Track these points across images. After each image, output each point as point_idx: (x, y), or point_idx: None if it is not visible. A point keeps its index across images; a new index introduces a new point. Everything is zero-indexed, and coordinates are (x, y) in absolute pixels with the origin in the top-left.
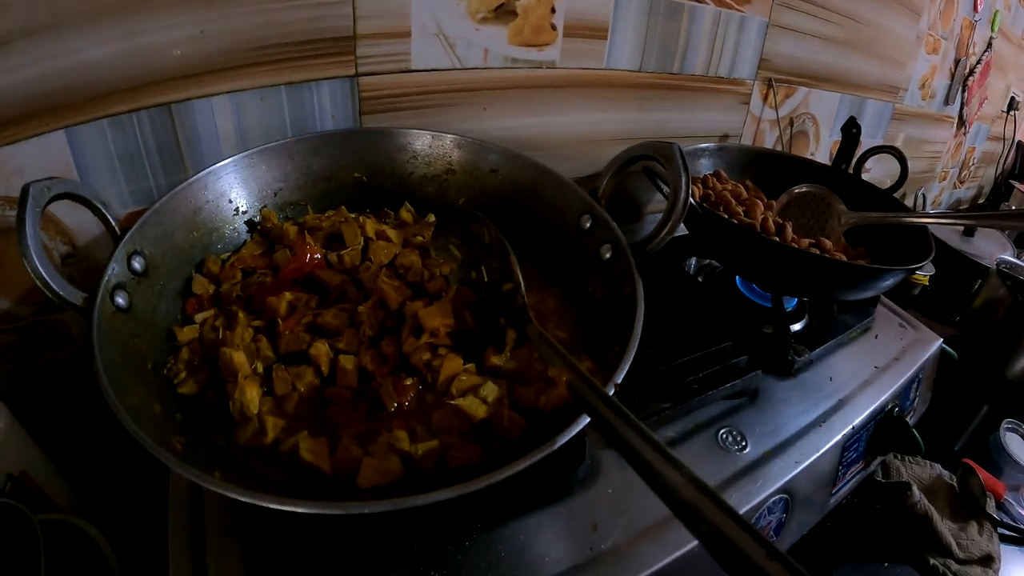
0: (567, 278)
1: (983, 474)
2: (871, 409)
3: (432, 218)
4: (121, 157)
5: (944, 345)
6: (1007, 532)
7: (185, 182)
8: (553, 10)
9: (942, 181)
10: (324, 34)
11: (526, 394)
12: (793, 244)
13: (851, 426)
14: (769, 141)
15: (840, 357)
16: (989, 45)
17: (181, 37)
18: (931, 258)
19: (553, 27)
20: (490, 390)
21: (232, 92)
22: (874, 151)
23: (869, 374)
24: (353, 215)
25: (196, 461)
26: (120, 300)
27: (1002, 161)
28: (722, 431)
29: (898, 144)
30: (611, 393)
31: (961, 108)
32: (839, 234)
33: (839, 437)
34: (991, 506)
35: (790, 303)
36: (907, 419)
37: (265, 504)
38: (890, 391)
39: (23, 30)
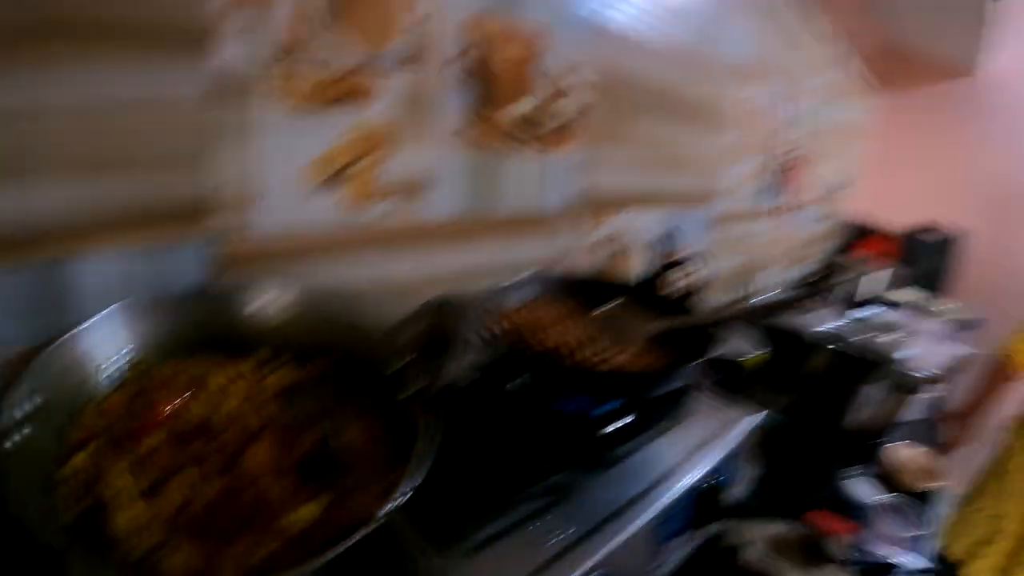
0: (383, 411)
1: (831, 520)
2: (684, 487)
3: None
4: None
5: (775, 414)
6: (862, 565)
7: (61, 337)
8: (381, 173)
9: (774, 266)
10: (184, 202)
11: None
12: (595, 359)
13: (664, 505)
14: (589, 265)
15: (657, 446)
16: (801, 142)
17: (61, 200)
18: (707, 356)
19: (380, 189)
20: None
21: (101, 251)
22: (670, 265)
23: (683, 456)
24: (204, 368)
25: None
26: (7, 445)
27: (831, 238)
28: (539, 523)
29: (726, 242)
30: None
31: (779, 200)
32: (640, 343)
33: (651, 516)
34: (841, 548)
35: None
36: (730, 490)
37: None
38: (704, 469)
39: None
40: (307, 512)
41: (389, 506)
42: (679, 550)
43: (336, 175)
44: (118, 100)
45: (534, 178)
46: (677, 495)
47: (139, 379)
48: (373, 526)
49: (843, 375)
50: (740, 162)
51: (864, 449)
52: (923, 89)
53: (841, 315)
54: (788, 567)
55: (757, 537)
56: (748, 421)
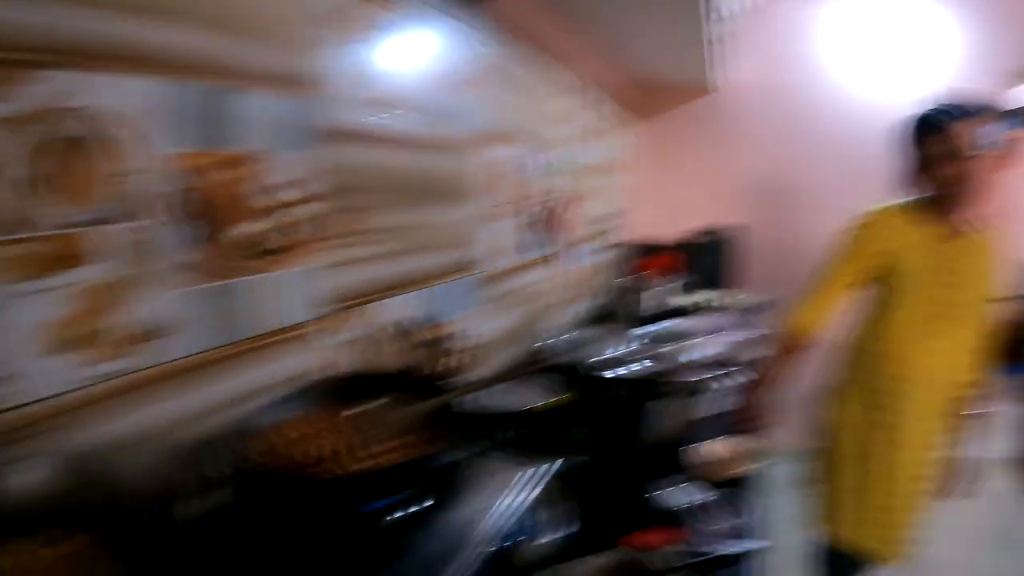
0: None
1: (649, 535)
2: (471, 561)
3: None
4: None
5: (568, 459)
6: (695, 561)
7: None
8: (114, 329)
9: (564, 308)
10: None
11: None
12: (341, 468)
13: None
14: (353, 361)
15: (446, 523)
16: (559, 188)
17: None
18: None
19: (118, 342)
20: None
21: None
22: (432, 343)
23: (467, 528)
24: None
25: None
26: None
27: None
28: None
29: (500, 301)
30: None
31: (550, 247)
32: (409, 430)
33: None
34: (665, 558)
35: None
36: (544, 539)
37: None
38: (490, 536)
39: None
40: None
41: None
42: None
43: (72, 337)
44: None
45: (276, 294)
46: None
47: None
48: None
49: (632, 397)
50: (496, 223)
51: (670, 459)
52: (676, 111)
53: (630, 337)
54: None
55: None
56: (536, 473)
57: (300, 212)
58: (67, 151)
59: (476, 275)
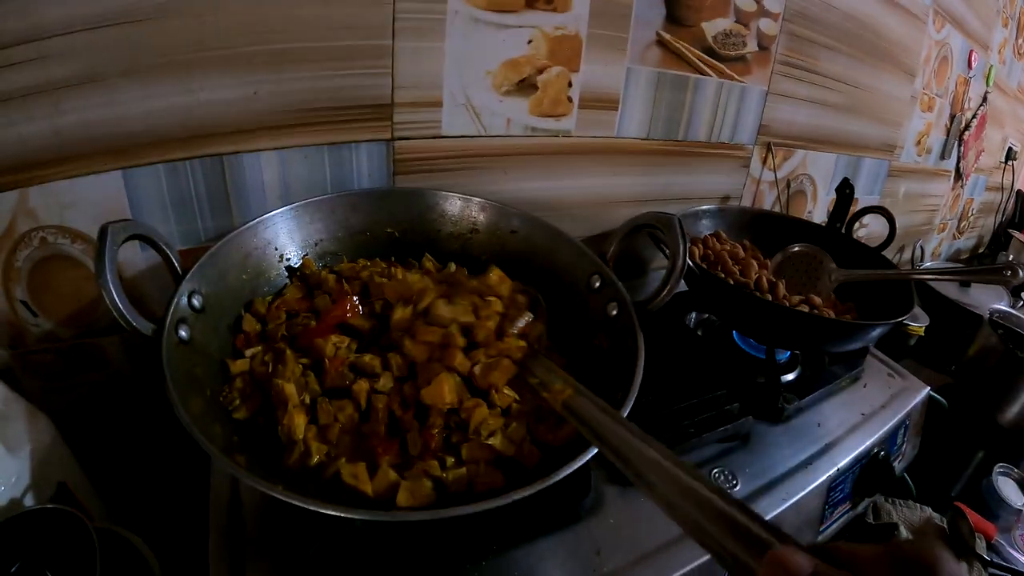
0: (577, 330)
1: (974, 516)
2: (856, 453)
3: (453, 267)
4: (173, 200)
5: (933, 393)
6: (997, 572)
7: (237, 229)
8: (570, 84)
9: (941, 232)
10: (365, 101)
11: (541, 430)
12: (784, 301)
13: (836, 468)
14: (768, 201)
15: (829, 405)
16: (984, 99)
17: (236, 96)
18: (910, 313)
19: (570, 99)
20: (516, 431)
21: (279, 149)
22: (865, 211)
23: (856, 420)
24: (384, 265)
25: (257, 474)
26: (183, 333)
27: (1002, 210)
28: (715, 471)
29: (898, 198)
30: None
31: (958, 162)
32: (829, 290)
33: (824, 478)
34: (981, 547)
35: (783, 355)
36: (895, 463)
37: (327, 511)
38: (875, 436)
39: (88, 76)
40: (515, 432)
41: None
42: (841, 518)
43: (525, 82)
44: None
45: (724, 106)
46: (850, 460)
47: (309, 279)
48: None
49: (1008, 363)
50: (927, 113)
51: (1020, 447)
52: None
53: (1009, 297)
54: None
55: (903, 520)
56: (919, 393)
57: (759, 25)
58: None
59: (892, 161)
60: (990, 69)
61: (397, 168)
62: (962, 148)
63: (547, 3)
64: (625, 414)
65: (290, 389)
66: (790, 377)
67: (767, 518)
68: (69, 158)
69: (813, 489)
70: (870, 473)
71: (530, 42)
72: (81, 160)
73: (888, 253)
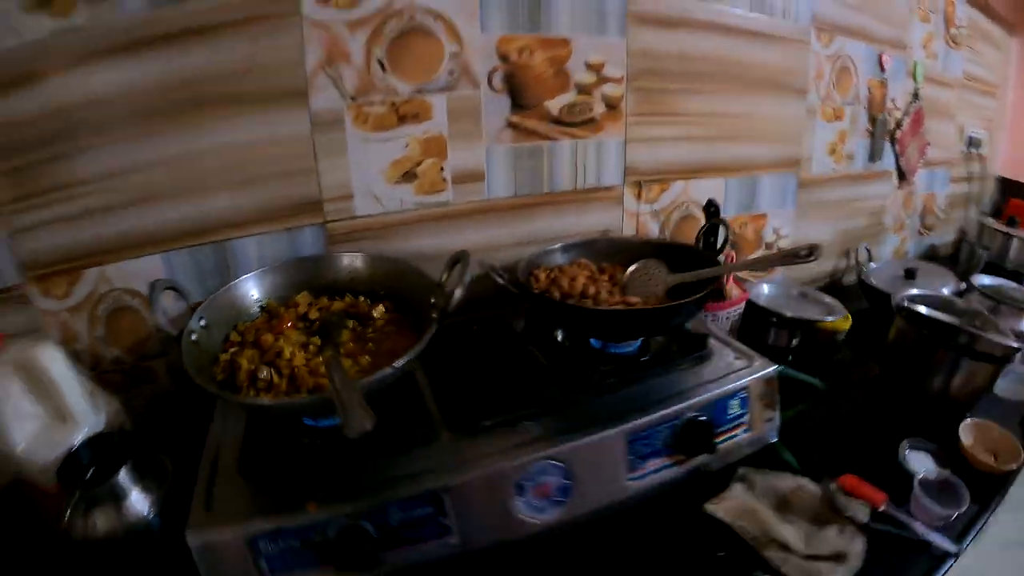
0: (420, 322)
1: (863, 486)
2: (663, 413)
3: (348, 299)
4: (192, 268)
5: (804, 376)
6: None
7: (227, 285)
8: (442, 169)
9: (899, 232)
10: (305, 200)
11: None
12: (602, 305)
13: (636, 422)
14: (655, 229)
15: (663, 382)
16: (915, 96)
17: (227, 205)
18: (700, 296)
19: (444, 179)
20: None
21: (256, 235)
22: (711, 225)
23: (678, 391)
24: (311, 301)
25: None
26: (194, 338)
27: (980, 200)
28: (527, 423)
29: (822, 207)
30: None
31: (897, 160)
32: (662, 292)
33: (624, 427)
34: (861, 512)
35: (631, 346)
36: (743, 433)
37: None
38: (690, 402)
39: (137, 199)
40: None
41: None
42: (661, 470)
43: (408, 173)
44: (254, 140)
45: (583, 159)
46: (655, 418)
47: (271, 311)
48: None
49: (927, 339)
50: (832, 123)
51: (938, 421)
52: None
53: (964, 286)
54: (769, 517)
55: (768, 488)
56: (761, 370)
57: (603, 91)
58: (409, 38)
59: (800, 174)
60: (915, 66)
61: (330, 240)
62: (897, 147)
63: (414, 118)
64: (399, 364)
65: (242, 361)
66: (627, 352)
67: (552, 451)
68: (129, 247)
69: (609, 436)
70: (690, 434)
71: (407, 146)
72: (136, 248)
73: (831, 257)
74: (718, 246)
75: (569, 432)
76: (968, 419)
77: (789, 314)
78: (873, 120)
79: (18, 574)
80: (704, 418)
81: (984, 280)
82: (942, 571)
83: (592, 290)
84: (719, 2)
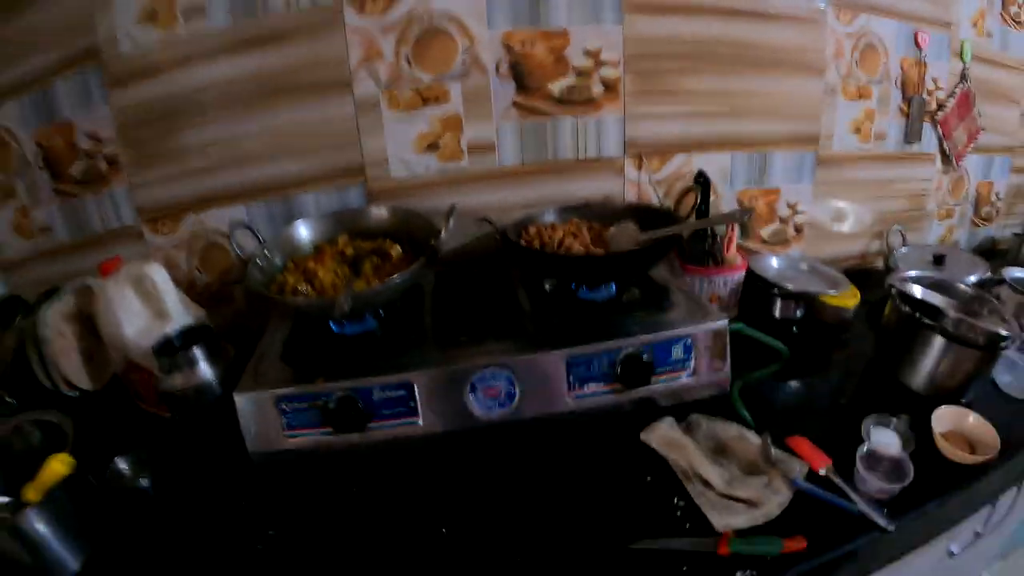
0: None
1: (809, 448)
2: (603, 346)
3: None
4: (267, 215)
5: (752, 332)
6: (804, 487)
7: (289, 226)
8: (459, 141)
9: (946, 219)
10: (351, 165)
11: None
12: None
13: (574, 349)
14: (656, 198)
15: (617, 321)
16: (963, 77)
17: (296, 168)
18: (643, 250)
19: (462, 150)
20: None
21: (313, 191)
22: (704, 194)
23: (628, 331)
24: (348, 241)
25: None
26: (258, 262)
27: None
28: (492, 341)
29: (848, 185)
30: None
31: (941, 144)
32: (633, 247)
33: (564, 352)
34: (794, 469)
35: (609, 290)
36: (686, 378)
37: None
38: (631, 339)
39: (226, 162)
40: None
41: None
42: (600, 395)
43: (432, 145)
44: (313, 120)
45: (584, 133)
46: (596, 348)
47: (312, 253)
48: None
49: (912, 320)
50: (856, 102)
51: (916, 403)
52: None
53: (985, 268)
54: (697, 455)
55: (710, 431)
56: (711, 323)
57: (601, 73)
58: (429, 37)
59: (818, 151)
60: (962, 45)
61: (370, 197)
62: (940, 130)
63: (435, 100)
64: (381, 286)
65: (289, 279)
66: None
67: (501, 360)
68: (219, 199)
69: (552, 355)
70: (628, 368)
71: (430, 123)
72: (225, 200)
73: (863, 238)
74: (705, 209)
75: (521, 351)
76: (943, 407)
77: (791, 287)
78: (908, 100)
79: (124, 430)
80: (645, 356)
81: (1016, 273)
82: (866, 542)
83: (568, 242)
84: None
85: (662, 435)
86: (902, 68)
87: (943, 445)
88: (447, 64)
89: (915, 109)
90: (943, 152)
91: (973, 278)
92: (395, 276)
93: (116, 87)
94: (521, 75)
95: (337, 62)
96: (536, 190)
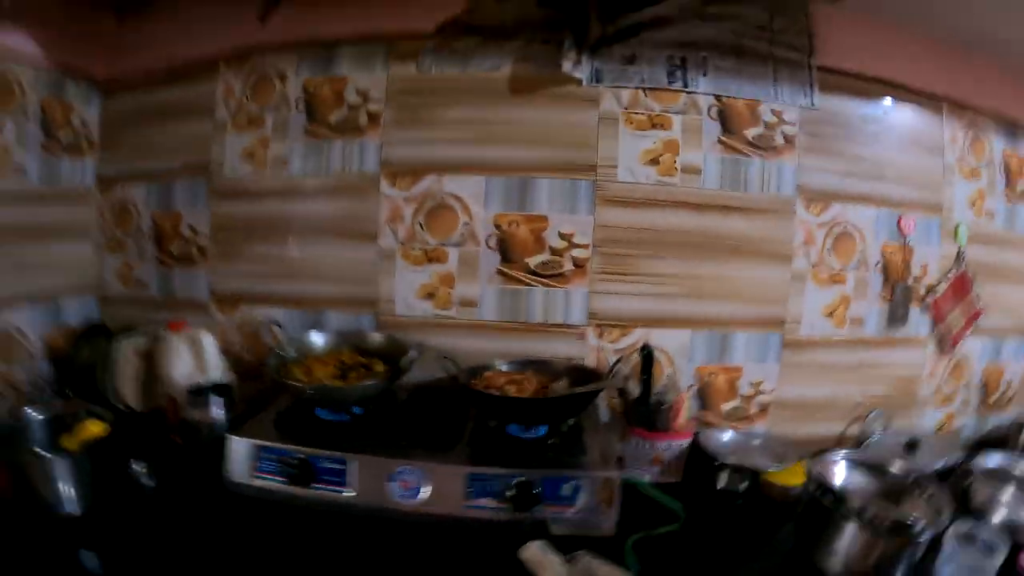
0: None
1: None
2: (499, 471)
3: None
4: (296, 320)
5: (651, 491)
6: None
7: (308, 333)
8: (450, 294)
9: (943, 406)
10: (367, 297)
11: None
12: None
13: (474, 468)
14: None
15: (528, 455)
16: (958, 258)
17: (324, 291)
18: (551, 399)
19: (451, 301)
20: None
21: (336, 311)
22: (646, 363)
23: (533, 464)
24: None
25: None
26: (279, 353)
27: None
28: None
29: (824, 369)
30: None
31: (933, 327)
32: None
33: (466, 469)
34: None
35: (538, 432)
36: (567, 511)
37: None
38: (525, 471)
39: (277, 276)
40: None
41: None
42: (489, 509)
43: (430, 294)
44: (346, 259)
45: (552, 302)
46: (493, 472)
47: (321, 355)
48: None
49: (821, 507)
50: (829, 288)
51: None
52: None
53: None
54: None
55: (585, 565)
56: (597, 471)
57: (572, 253)
58: (439, 210)
59: (784, 334)
60: (956, 227)
61: (378, 325)
62: (931, 314)
63: (436, 260)
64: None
65: (295, 371)
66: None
67: (423, 463)
68: (268, 299)
69: (455, 469)
70: (519, 494)
71: (430, 276)
72: (272, 301)
73: (838, 422)
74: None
75: (435, 460)
76: None
77: (731, 459)
78: (893, 286)
79: (158, 447)
80: (535, 488)
81: (997, 459)
82: None
83: (506, 388)
84: (687, 184)
85: (533, 554)
86: (883, 254)
87: None
88: (449, 233)
89: (899, 294)
90: (938, 337)
91: (939, 464)
92: (359, 384)
93: (216, 197)
94: (506, 248)
95: (371, 219)
96: (508, 344)
